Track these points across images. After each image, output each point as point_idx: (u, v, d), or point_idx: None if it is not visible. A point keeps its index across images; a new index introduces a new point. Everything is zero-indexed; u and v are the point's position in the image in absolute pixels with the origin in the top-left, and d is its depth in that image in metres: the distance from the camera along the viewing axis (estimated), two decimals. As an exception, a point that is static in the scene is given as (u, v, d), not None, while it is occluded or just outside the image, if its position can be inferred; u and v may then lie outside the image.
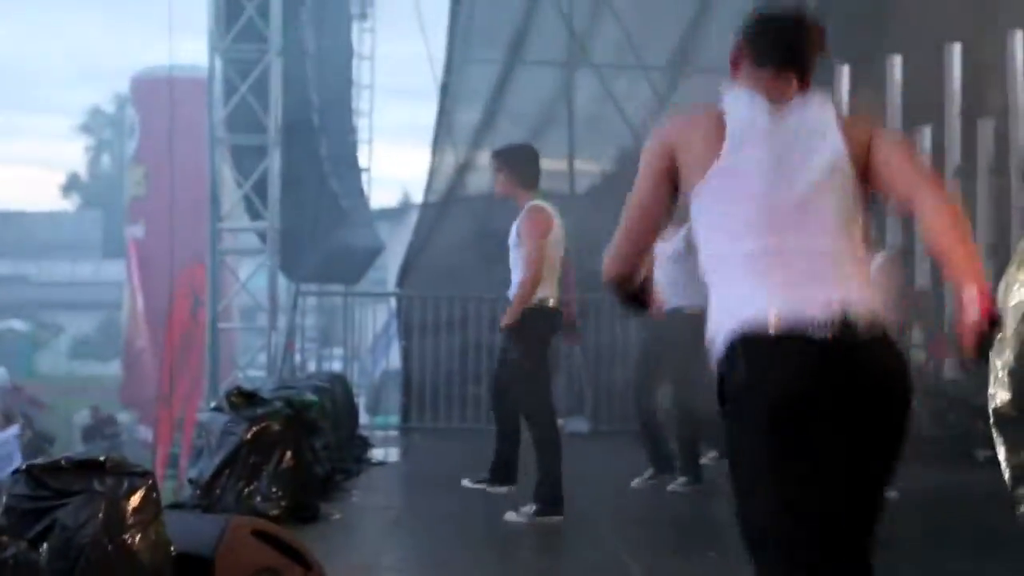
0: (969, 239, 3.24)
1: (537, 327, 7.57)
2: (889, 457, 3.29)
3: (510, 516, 7.49)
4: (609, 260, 3.54)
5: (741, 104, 3.48)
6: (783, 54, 3.46)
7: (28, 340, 42.19)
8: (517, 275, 7.58)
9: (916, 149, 3.61)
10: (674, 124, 3.54)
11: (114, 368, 33.17)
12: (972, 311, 3.06)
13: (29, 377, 34.29)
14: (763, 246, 3.27)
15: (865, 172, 3.36)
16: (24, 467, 4.78)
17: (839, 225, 3.30)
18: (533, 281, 7.43)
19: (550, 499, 7.39)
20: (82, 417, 26.26)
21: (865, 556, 3.26)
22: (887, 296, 4.35)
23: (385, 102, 30.84)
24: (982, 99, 11.05)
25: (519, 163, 7.75)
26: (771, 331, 3.17)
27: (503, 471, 8.12)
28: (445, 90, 14.24)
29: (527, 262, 7.44)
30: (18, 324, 41.97)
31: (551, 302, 7.58)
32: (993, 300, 3.20)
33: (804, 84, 3.46)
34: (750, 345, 3.19)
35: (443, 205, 14.21)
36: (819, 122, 3.39)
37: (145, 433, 23.55)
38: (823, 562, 3.18)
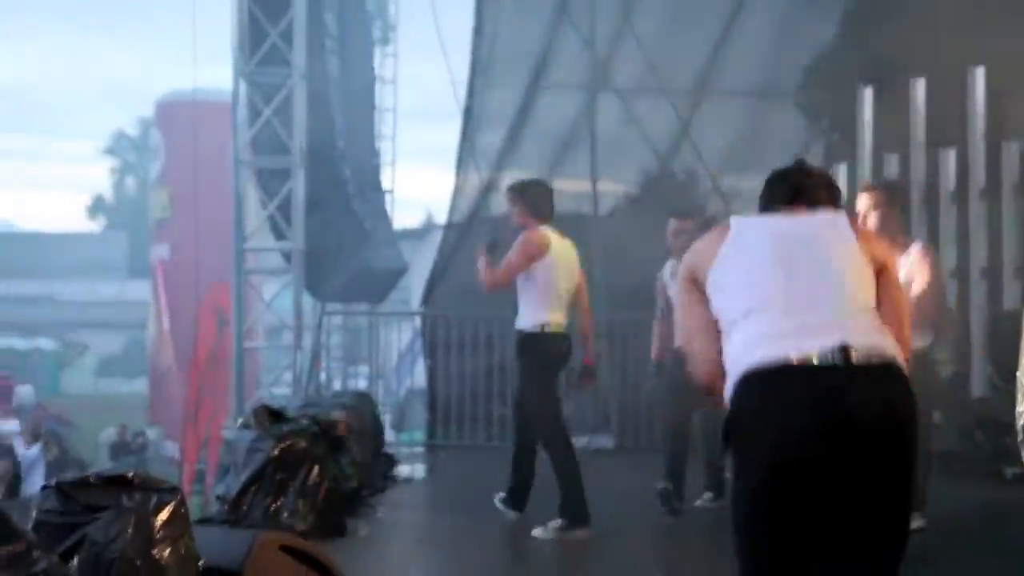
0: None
1: (537, 353, 7.77)
2: (893, 505, 3.39)
3: (537, 532, 7.54)
4: (707, 372, 3.71)
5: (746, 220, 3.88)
6: (790, 195, 3.83)
7: (54, 359, 42.45)
8: (521, 304, 7.85)
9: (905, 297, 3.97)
10: (692, 250, 3.93)
11: (140, 386, 33.34)
12: None
13: (55, 395, 34.49)
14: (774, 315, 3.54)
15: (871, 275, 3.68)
16: (54, 483, 4.84)
17: (850, 286, 3.60)
18: (489, 283, 7.83)
19: (575, 515, 7.48)
20: (108, 435, 26.37)
21: None
22: (926, 285, 4.76)
23: (408, 125, 31.20)
24: (1006, 121, 11.06)
25: (532, 196, 8.00)
26: (783, 364, 3.39)
27: (515, 495, 8.07)
28: (468, 113, 14.31)
29: (497, 271, 7.77)
30: (45, 343, 42.23)
31: (551, 328, 7.75)
32: None
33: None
34: (762, 377, 3.41)
35: (467, 225, 14.27)
36: (831, 219, 3.77)
37: (172, 450, 23.67)
38: None
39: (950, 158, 11.42)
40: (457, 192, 14.42)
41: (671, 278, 7.41)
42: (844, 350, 3.38)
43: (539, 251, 7.71)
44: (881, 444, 3.33)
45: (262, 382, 14.57)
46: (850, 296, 3.58)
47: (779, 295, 3.56)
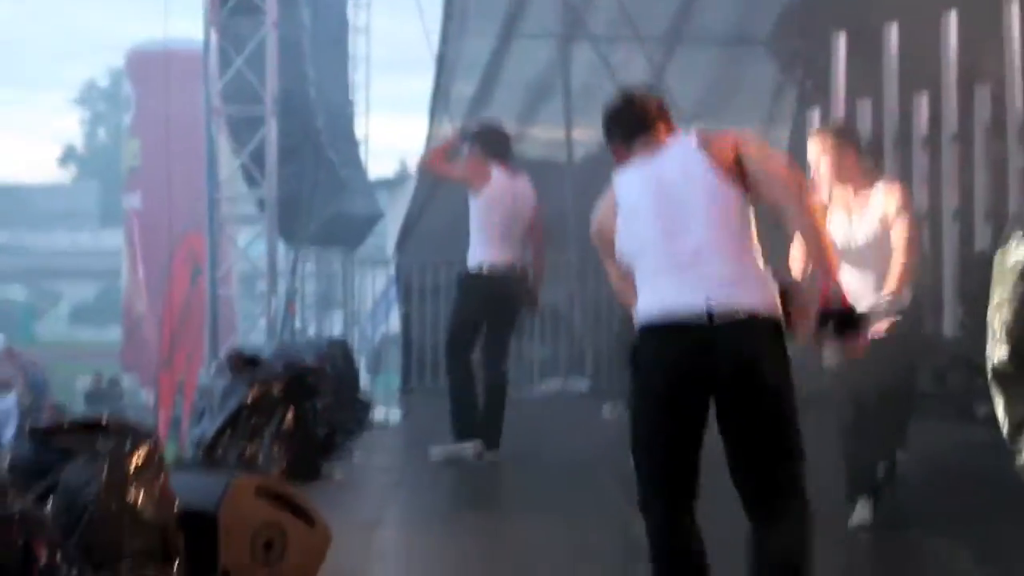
0: (826, 237, 4.18)
1: (464, 291, 8.31)
2: (753, 418, 3.95)
3: (434, 451, 8.11)
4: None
5: (621, 174, 4.34)
6: (629, 130, 4.34)
7: (27, 308, 42.31)
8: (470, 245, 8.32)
9: (783, 158, 4.33)
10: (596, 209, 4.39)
11: (114, 334, 33.27)
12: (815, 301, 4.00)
13: (30, 344, 34.37)
14: (655, 261, 4.08)
15: (742, 180, 4.06)
16: (27, 428, 4.87)
17: (716, 227, 4.02)
18: (428, 159, 9.26)
19: (461, 432, 8.11)
20: (84, 383, 26.35)
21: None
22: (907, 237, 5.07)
23: (381, 74, 31.02)
24: (978, 66, 11.07)
25: (484, 140, 8.43)
26: (658, 323, 4.01)
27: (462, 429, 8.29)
28: (441, 62, 14.24)
29: (435, 156, 8.96)
30: (17, 292, 42.08)
31: (484, 269, 8.15)
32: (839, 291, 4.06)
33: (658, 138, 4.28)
34: (648, 333, 4.04)
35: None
36: (682, 152, 4.17)
37: (147, 397, 23.67)
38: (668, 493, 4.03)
39: (923, 103, 11.43)
40: (430, 141, 14.38)
41: None
42: (709, 311, 3.93)
43: (475, 176, 8.14)
44: (741, 389, 3.94)
45: (236, 329, 14.54)
46: (715, 238, 4.03)
47: (654, 247, 4.08)
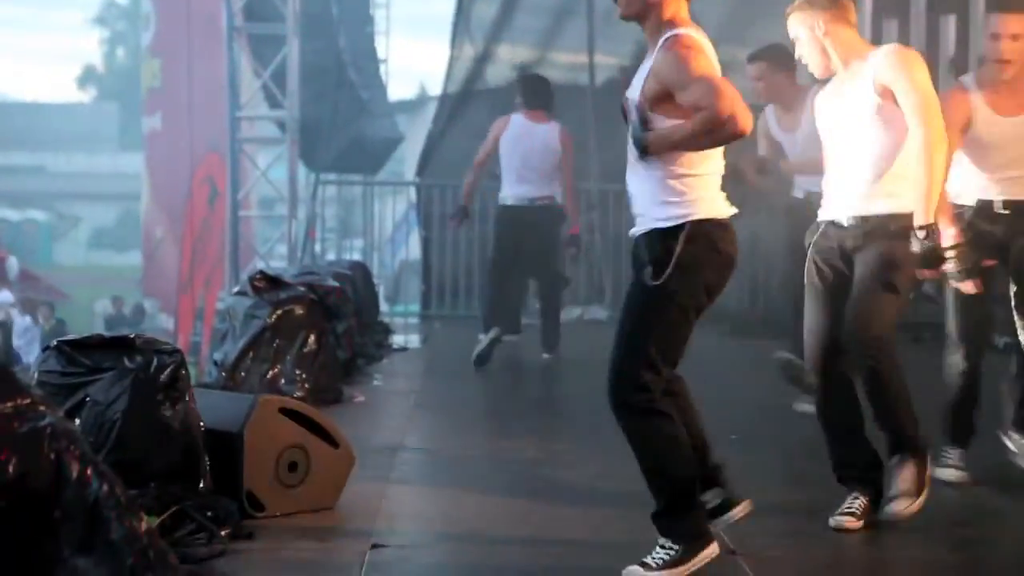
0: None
1: (494, 223, 9.67)
2: None
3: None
4: None
5: None
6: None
7: (46, 231, 42.40)
8: None
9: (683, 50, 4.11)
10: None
11: (133, 258, 33.36)
12: None
13: (48, 267, 34.49)
14: None
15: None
16: (55, 344, 4.86)
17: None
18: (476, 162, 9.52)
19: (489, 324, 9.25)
20: (104, 306, 26.43)
21: None
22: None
23: (402, -7, 30.84)
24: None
25: (524, 88, 9.49)
26: None
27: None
28: (464, -18, 14.14)
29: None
30: (36, 214, 42.14)
31: (509, 201, 9.30)
32: None
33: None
34: None
35: (462, 96, 14.18)
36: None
37: (166, 322, 23.75)
38: None
39: (950, 24, 11.33)
40: (452, 63, 14.29)
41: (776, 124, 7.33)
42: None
43: (494, 131, 9.24)
44: None
45: (256, 252, 14.53)
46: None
47: None
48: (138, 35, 37.43)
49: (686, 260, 4.09)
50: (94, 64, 61.57)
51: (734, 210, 4.24)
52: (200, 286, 18.65)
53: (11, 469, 3.09)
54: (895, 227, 4.73)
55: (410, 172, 16.10)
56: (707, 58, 4.10)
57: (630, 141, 4.20)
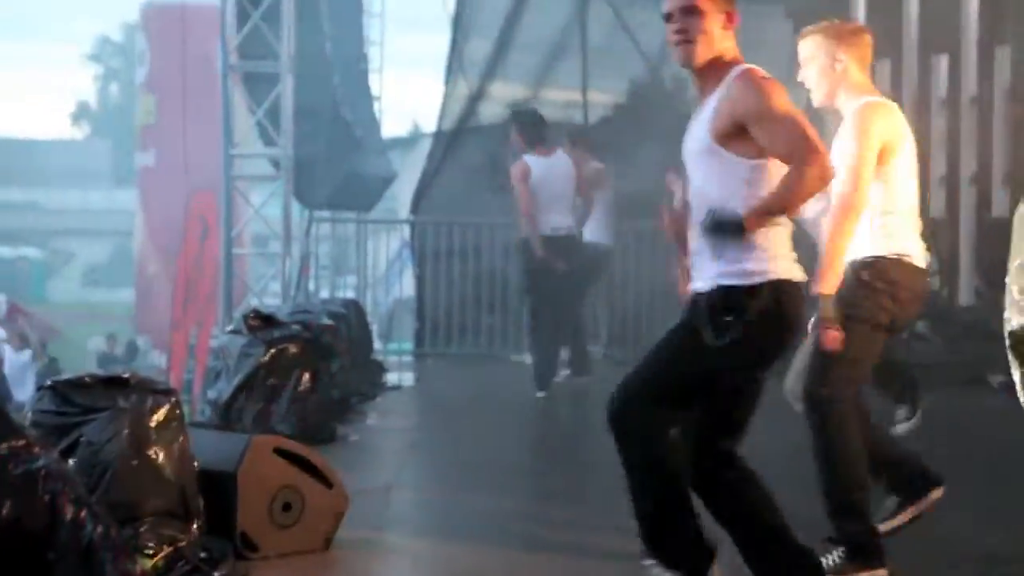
0: None
1: (532, 258, 9.55)
2: None
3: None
4: None
5: None
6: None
7: (40, 267, 42.36)
8: None
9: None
10: None
11: (126, 295, 33.33)
12: None
13: (41, 304, 34.43)
14: None
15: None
16: (50, 383, 4.84)
17: None
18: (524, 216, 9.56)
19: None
20: (96, 344, 26.36)
21: None
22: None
23: (396, 32, 30.95)
24: (999, 27, 10.99)
25: (522, 125, 9.80)
26: None
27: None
28: (458, 20, 14.19)
29: (520, 203, 9.59)
30: (30, 251, 42.11)
31: (547, 231, 9.50)
32: None
33: None
34: None
35: (456, 134, 14.20)
36: None
37: (159, 359, 23.69)
38: None
39: (942, 63, 11.37)
40: (446, 100, 14.32)
41: None
42: None
43: (521, 178, 9.47)
44: None
45: (250, 289, 14.51)
46: None
47: None
48: (132, 72, 37.53)
49: (758, 321, 3.89)
50: (87, 100, 61.74)
51: (805, 276, 4.05)
52: (192, 323, 18.61)
53: (5, 512, 3.07)
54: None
55: (404, 209, 16.08)
56: (785, 93, 3.92)
57: (696, 204, 4.04)
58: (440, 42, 14.31)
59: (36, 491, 3.14)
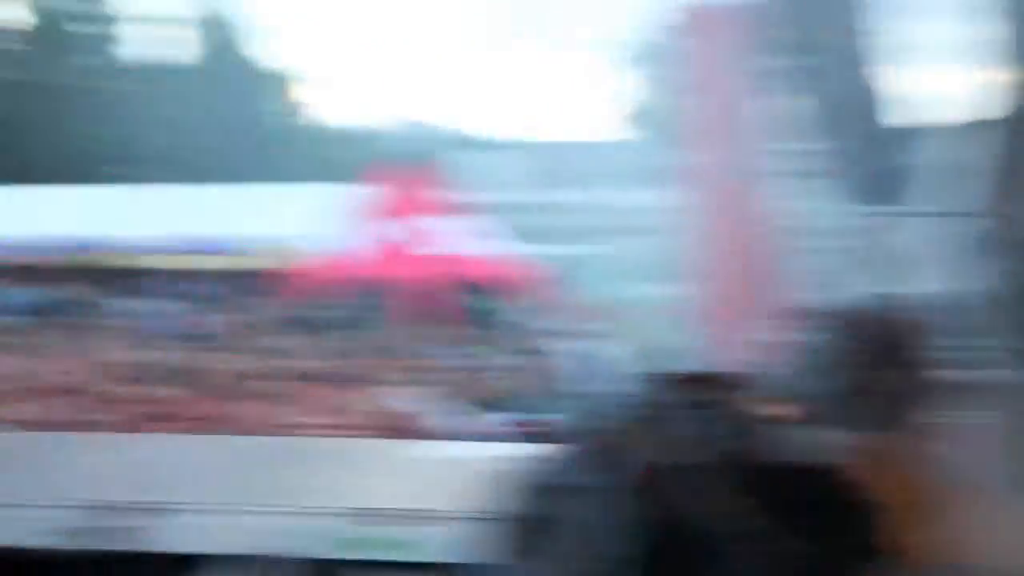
0: None
1: None
2: None
3: None
4: None
5: None
6: None
7: (597, 265, 43.68)
8: None
9: None
10: None
11: (670, 292, 33.50)
12: None
13: (602, 302, 35.37)
14: None
15: None
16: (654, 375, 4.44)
17: None
18: None
19: None
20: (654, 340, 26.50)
21: None
22: None
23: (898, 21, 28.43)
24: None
25: None
26: None
27: None
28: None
29: None
30: (589, 249, 43.53)
31: None
32: None
33: None
34: None
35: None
36: None
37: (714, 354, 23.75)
38: None
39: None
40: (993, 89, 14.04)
41: None
42: None
43: None
44: None
45: (805, 285, 14.77)
46: None
47: None
48: (670, 72, 38.12)
49: None
50: (631, 101, 63.48)
51: None
52: (747, 319, 18.80)
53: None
54: None
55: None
56: None
57: None
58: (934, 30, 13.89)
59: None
